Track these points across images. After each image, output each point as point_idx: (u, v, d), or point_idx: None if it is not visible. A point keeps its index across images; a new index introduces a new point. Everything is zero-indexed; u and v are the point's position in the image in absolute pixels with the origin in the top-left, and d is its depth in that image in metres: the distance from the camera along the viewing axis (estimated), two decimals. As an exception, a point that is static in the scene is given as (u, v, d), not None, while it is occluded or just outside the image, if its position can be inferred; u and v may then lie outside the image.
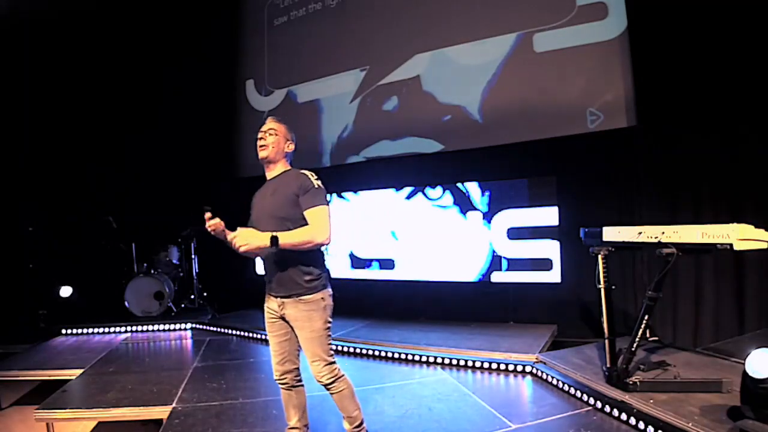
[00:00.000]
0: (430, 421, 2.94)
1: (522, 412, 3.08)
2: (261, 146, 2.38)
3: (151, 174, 6.70)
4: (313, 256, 2.30)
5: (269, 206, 2.33)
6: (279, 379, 2.46)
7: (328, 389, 2.35)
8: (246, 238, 2.12)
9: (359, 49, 5.99)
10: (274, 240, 2.12)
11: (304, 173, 2.34)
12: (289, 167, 2.46)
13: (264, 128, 2.40)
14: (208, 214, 2.24)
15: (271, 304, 2.40)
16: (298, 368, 2.46)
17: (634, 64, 4.32)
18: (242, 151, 7.09)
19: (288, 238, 2.16)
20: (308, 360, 2.33)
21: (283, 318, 2.37)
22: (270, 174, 2.44)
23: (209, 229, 2.26)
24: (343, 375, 2.37)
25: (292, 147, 2.45)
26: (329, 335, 2.33)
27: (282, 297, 2.33)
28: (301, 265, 2.28)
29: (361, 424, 2.42)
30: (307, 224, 2.26)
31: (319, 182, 2.33)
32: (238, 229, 2.18)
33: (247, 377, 3.87)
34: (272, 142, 2.37)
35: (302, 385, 2.50)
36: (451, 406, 3.17)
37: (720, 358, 3.43)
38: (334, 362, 2.35)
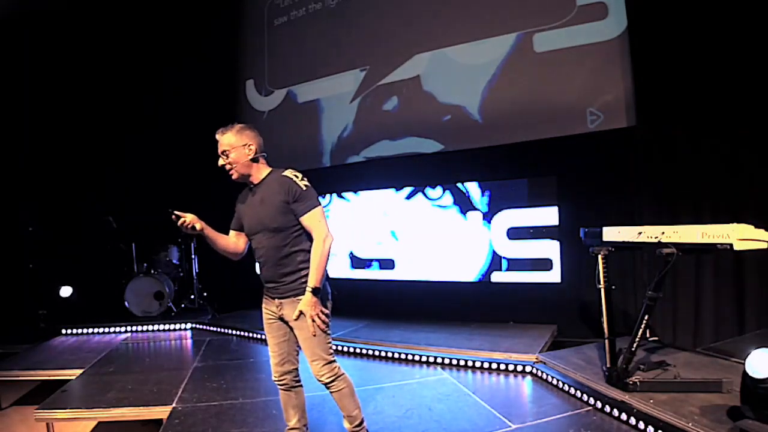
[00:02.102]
0: (430, 421, 2.94)
1: (522, 412, 3.08)
2: (228, 171, 2.32)
3: (151, 174, 6.69)
4: (309, 256, 2.28)
5: (262, 217, 2.29)
6: (278, 380, 2.45)
7: (328, 388, 2.35)
8: (311, 310, 2.20)
9: (359, 49, 5.99)
10: (315, 291, 2.20)
11: (287, 176, 2.27)
12: (268, 168, 2.37)
13: (219, 151, 2.31)
14: (176, 219, 2.23)
15: (269, 306, 2.40)
16: (297, 369, 2.46)
17: (634, 64, 4.32)
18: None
19: (316, 275, 2.20)
20: (308, 360, 2.32)
21: (281, 319, 2.37)
22: (253, 182, 2.36)
23: (183, 230, 2.27)
24: (343, 374, 2.37)
25: (253, 148, 2.28)
26: (328, 334, 2.32)
27: (279, 298, 2.33)
28: (298, 265, 2.29)
29: (361, 423, 2.41)
30: (301, 228, 2.27)
31: (305, 181, 2.29)
32: (299, 308, 2.22)
33: (247, 377, 3.87)
34: (232, 161, 2.27)
35: (301, 386, 2.49)
36: (451, 406, 3.17)
37: (720, 358, 3.43)
38: (334, 361, 2.34)
